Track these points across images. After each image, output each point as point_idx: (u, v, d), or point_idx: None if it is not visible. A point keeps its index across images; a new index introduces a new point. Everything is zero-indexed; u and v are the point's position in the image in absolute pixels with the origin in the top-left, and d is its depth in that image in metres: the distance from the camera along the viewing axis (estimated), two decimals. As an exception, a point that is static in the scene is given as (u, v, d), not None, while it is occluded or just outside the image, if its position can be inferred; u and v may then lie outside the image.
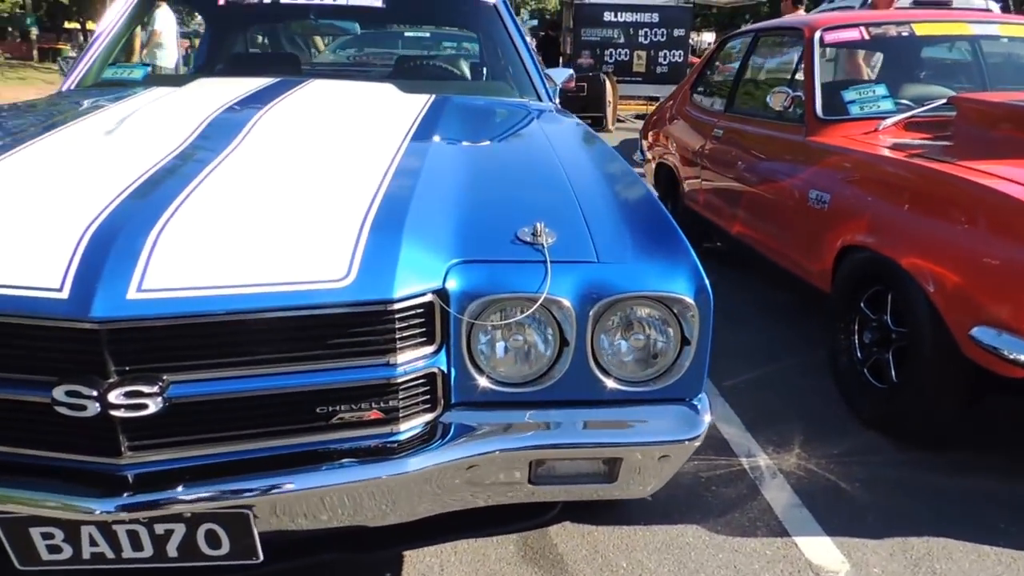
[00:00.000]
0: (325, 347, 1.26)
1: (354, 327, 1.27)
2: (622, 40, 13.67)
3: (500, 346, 1.38)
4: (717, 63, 4.77)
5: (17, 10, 24.20)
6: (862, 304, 2.70)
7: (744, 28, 4.50)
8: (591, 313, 1.36)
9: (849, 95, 3.23)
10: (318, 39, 4.32)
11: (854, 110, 3.19)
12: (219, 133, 1.72)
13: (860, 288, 2.70)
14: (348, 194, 1.45)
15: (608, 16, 13.57)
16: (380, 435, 1.35)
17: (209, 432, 1.25)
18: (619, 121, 11.72)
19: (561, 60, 14.57)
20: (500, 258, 1.37)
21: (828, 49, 3.50)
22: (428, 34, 5.04)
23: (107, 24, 2.85)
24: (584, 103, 8.90)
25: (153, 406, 1.18)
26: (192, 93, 2.25)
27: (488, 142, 2.10)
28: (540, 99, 2.83)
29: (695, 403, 1.46)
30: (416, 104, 2.32)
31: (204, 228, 1.28)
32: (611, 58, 13.70)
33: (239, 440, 1.27)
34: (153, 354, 1.19)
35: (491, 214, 1.51)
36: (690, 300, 1.38)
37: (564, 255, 1.38)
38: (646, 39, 13.63)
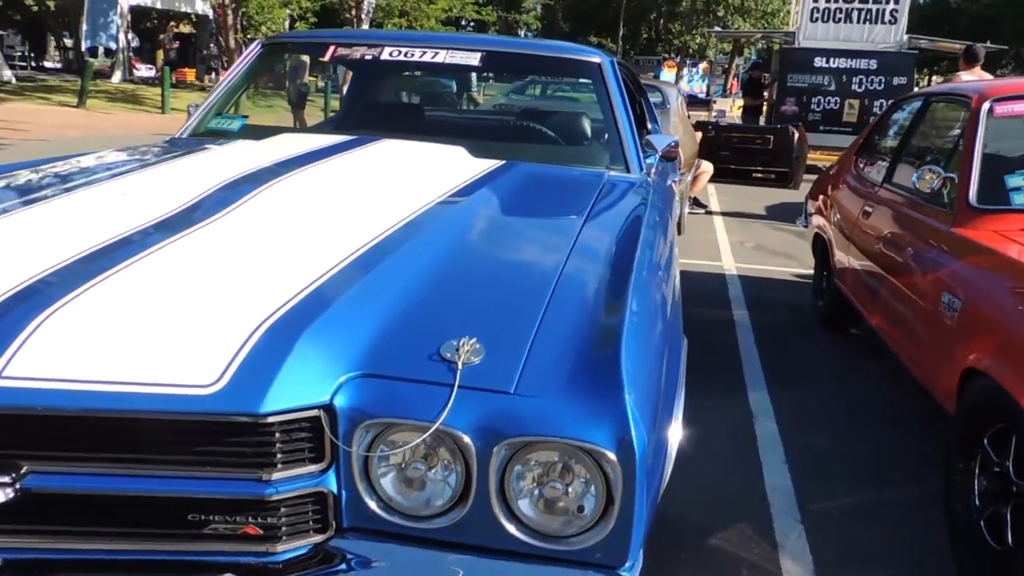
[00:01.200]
0: (191, 455, 1.18)
1: (221, 438, 1.18)
2: (833, 87, 12.80)
3: (394, 475, 1.23)
4: (886, 128, 4.24)
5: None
6: (985, 441, 2.22)
7: (920, 90, 3.95)
8: (495, 452, 1.17)
9: (1015, 180, 2.71)
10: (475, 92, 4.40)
11: (1017, 200, 2.67)
12: (210, 203, 1.72)
13: (984, 422, 2.22)
14: (273, 288, 1.37)
15: (819, 62, 12.77)
16: (259, 553, 1.24)
17: (70, 526, 1.21)
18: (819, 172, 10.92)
19: (764, 107, 13.90)
20: (404, 375, 1.22)
21: (998, 123, 2.97)
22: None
23: (227, 77, 3.03)
24: (769, 156, 8.37)
25: (2, 495, 1.15)
26: (243, 152, 2.29)
27: (501, 229, 1.94)
28: (629, 169, 2.62)
29: (621, 574, 1.21)
30: (466, 173, 2.23)
31: (96, 317, 1.25)
32: (819, 106, 12.88)
33: (104, 538, 1.22)
34: (9, 441, 1.16)
35: (425, 322, 1.35)
36: (610, 454, 1.15)
37: (478, 381, 1.21)
38: (860, 87, 12.67)
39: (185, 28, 29.97)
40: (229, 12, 17.39)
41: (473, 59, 2.85)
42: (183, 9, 25.60)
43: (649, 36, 49.13)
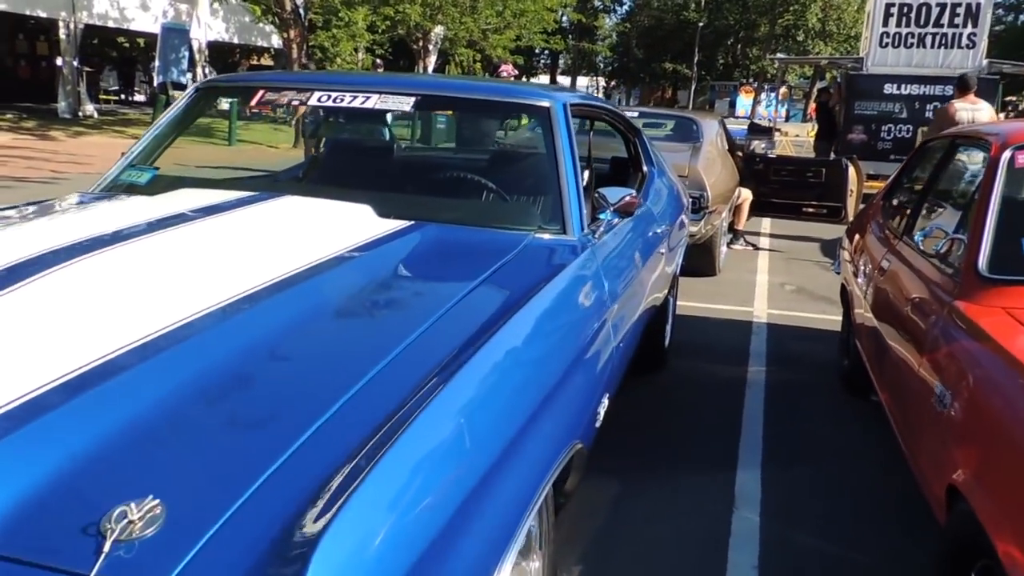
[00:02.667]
0: None
1: None
2: (904, 115, 12.06)
3: None
4: (912, 171, 3.76)
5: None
6: (973, 575, 1.78)
7: (950, 130, 3.46)
8: None
9: (1036, 246, 2.26)
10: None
11: (1037, 270, 2.22)
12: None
13: (969, 552, 1.79)
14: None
15: (889, 88, 12.07)
16: None
17: None
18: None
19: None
20: (33, 559, 0.92)
21: (1020, 175, 2.50)
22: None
23: (158, 122, 2.84)
24: (821, 190, 7.81)
25: None
26: (100, 214, 2.07)
27: (333, 316, 1.63)
28: (565, 229, 2.28)
29: None
30: (349, 239, 1.95)
31: None
32: (889, 135, 12.16)
33: None
34: None
35: (118, 467, 1.06)
36: None
37: (123, 571, 0.90)
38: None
39: (266, 60, 30.96)
40: (294, 46, 17.74)
41: (406, 103, 2.58)
42: (260, 43, 26.42)
43: (726, 62, 48.26)
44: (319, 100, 2.62)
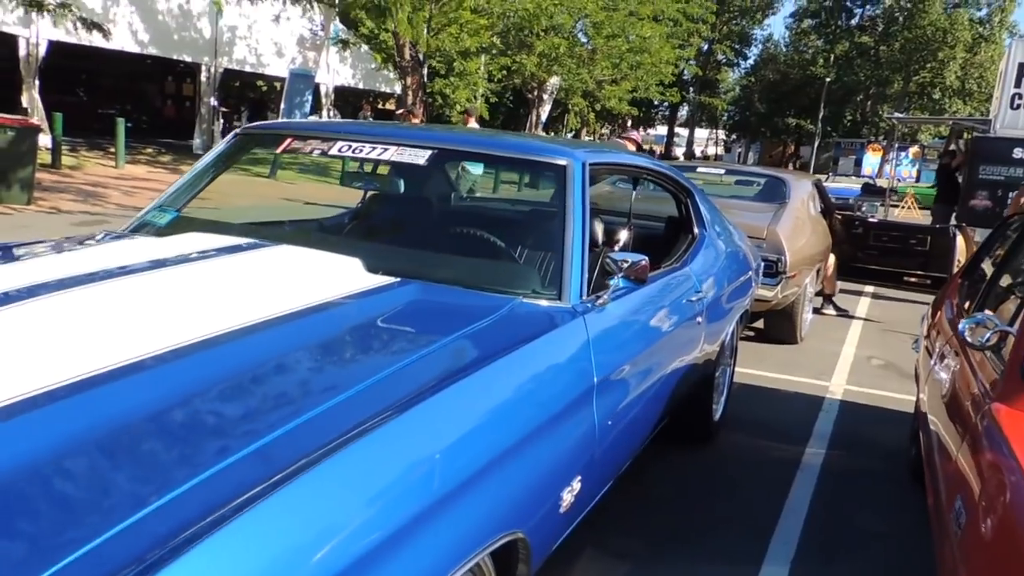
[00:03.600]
0: None
1: None
2: (1035, 182, 11.16)
3: None
4: (989, 250, 3.41)
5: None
6: None
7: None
8: None
9: (1093, 345, 1.97)
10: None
11: (1090, 373, 1.93)
12: None
13: None
14: None
15: (1019, 153, 11.21)
16: None
17: None
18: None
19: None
20: None
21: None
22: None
23: (196, 165, 2.95)
24: (925, 259, 7.29)
25: None
26: (100, 253, 2.14)
27: (255, 380, 1.58)
28: (561, 296, 2.18)
29: None
30: (325, 293, 1.93)
31: None
32: (1017, 202, 11.28)
33: None
34: None
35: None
36: None
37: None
38: (1071, 182, 10.96)
39: (391, 105, 32.36)
40: (410, 92, 18.43)
41: (421, 157, 2.56)
42: (383, 89, 27.62)
43: (854, 118, 46.63)
44: (339, 150, 2.64)
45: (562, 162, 2.50)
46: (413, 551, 1.27)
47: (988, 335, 2.16)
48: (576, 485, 1.95)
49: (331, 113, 24.67)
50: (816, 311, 7.02)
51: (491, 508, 1.51)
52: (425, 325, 1.95)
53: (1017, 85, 11.59)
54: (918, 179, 38.07)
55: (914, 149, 41.64)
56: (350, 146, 2.65)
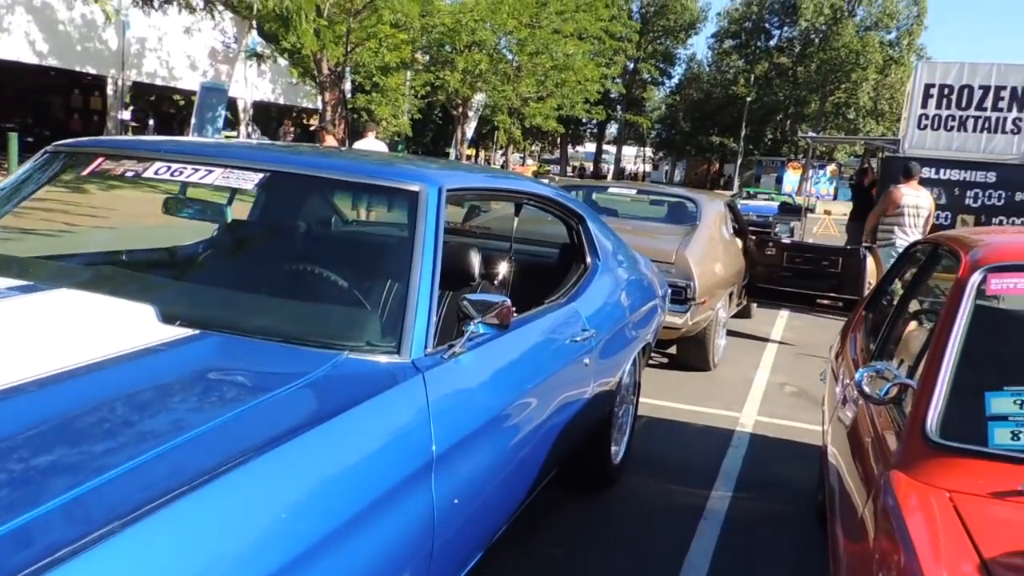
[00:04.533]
0: None
1: None
2: (943, 201, 11.36)
3: None
4: (892, 280, 3.21)
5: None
6: None
7: (943, 233, 2.89)
8: None
9: (1002, 404, 1.72)
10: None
11: (1000, 438, 1.67)
12: None
13: None
14: None
15: (927, 172, 11.40)
16: None
17: None
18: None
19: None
20: None
21: (994, 303, 1.97)
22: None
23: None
24: (837, 281, 7.22)
25: None
26: None
27: None
28: (399, 348, 1.82)
29: None
30: (89, 352, 1.53)
31: None
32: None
33: None
34: None
35: None
36: None
37: None
38: (976, 202, 11.21)
39: (315, 120, 31.62)
40: (329, 108, 17.92)
41: (249, 182, 2.18)
42: (306, 104, 26.92)
43: (774, 137, 47.93)
44: (156, 172, 2.24)
45: (414, 188, 2.15)
46: None
47: (887, 387, 1.90)
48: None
49: (250, 128, 23.86)
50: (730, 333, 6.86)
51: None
52: (206, 396, 1.56)
53: (924, 106, 11.82)
54: (835, 196, 39.22)
55: (831, 167, 42.96)
56: (168, 167, 2.25)
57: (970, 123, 11.55)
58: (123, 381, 1.51)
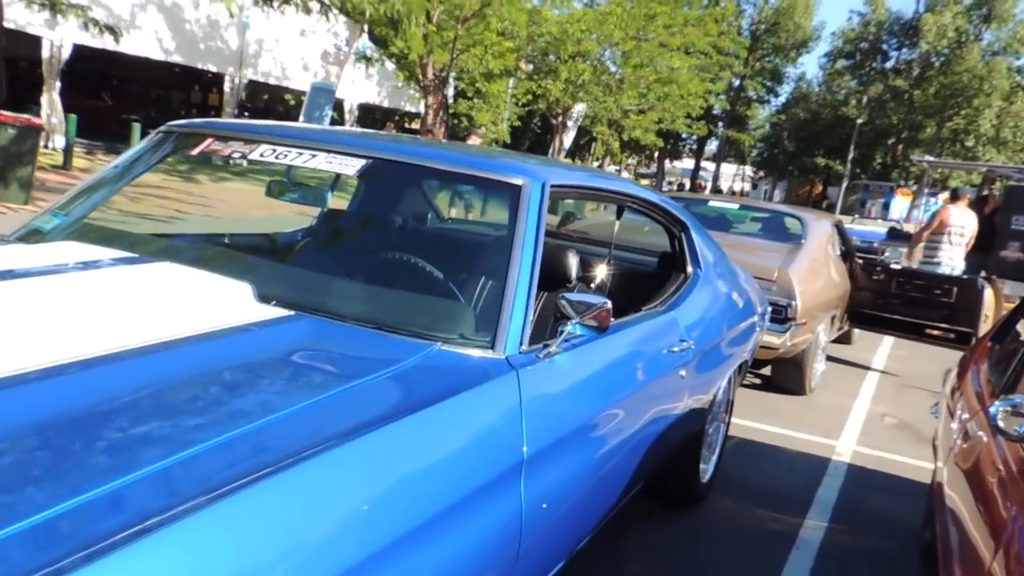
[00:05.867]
0: None
1: None
2: (1073, 234, 10.62)
3: None
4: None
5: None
6: None
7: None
8: None
9: None
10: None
11: None
12: None
13: None
14: None
15: (1058, 203, 10.70)
16: None
17: None
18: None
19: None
20: None
21: None
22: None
23: (113, 164, 2.59)
24: (950, 312, 6.78)
25: None
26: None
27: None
28: (494, 344, 1.76)
29: None
30: (190, 326, 1.55)
31: None
32: (1052, 254, 10.73)
33: None
34: None
35: None
36: None
37: None
38: (1110, 236, 10.42)
39: (417, 124, 32.30)
40: (431, 112, 18.22)
41: (351, 167, 2.18)
42: (409, 108, 27.49)
43: (884, 161, 45.95)
44: (261, 155, 2.27)
45: (517, 181, 2.10)
46: None
47: (1019, 424, 1.72)
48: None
49: (354, 128, 24.55)
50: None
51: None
52: (296, 378, 1.55)
53: (1056, 133, 11.08)
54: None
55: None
56: (274, 150, 2.28)
57: (1107, 153, 10.75)
58: (218, 357, 1.51)
